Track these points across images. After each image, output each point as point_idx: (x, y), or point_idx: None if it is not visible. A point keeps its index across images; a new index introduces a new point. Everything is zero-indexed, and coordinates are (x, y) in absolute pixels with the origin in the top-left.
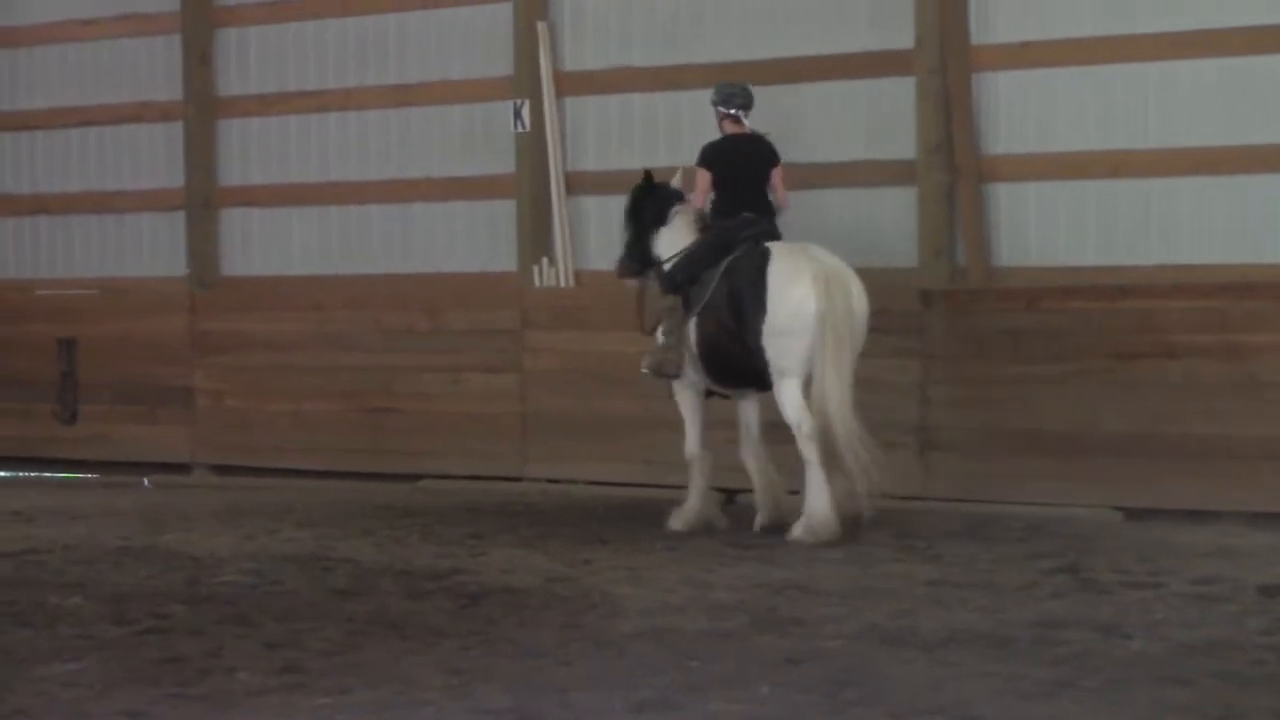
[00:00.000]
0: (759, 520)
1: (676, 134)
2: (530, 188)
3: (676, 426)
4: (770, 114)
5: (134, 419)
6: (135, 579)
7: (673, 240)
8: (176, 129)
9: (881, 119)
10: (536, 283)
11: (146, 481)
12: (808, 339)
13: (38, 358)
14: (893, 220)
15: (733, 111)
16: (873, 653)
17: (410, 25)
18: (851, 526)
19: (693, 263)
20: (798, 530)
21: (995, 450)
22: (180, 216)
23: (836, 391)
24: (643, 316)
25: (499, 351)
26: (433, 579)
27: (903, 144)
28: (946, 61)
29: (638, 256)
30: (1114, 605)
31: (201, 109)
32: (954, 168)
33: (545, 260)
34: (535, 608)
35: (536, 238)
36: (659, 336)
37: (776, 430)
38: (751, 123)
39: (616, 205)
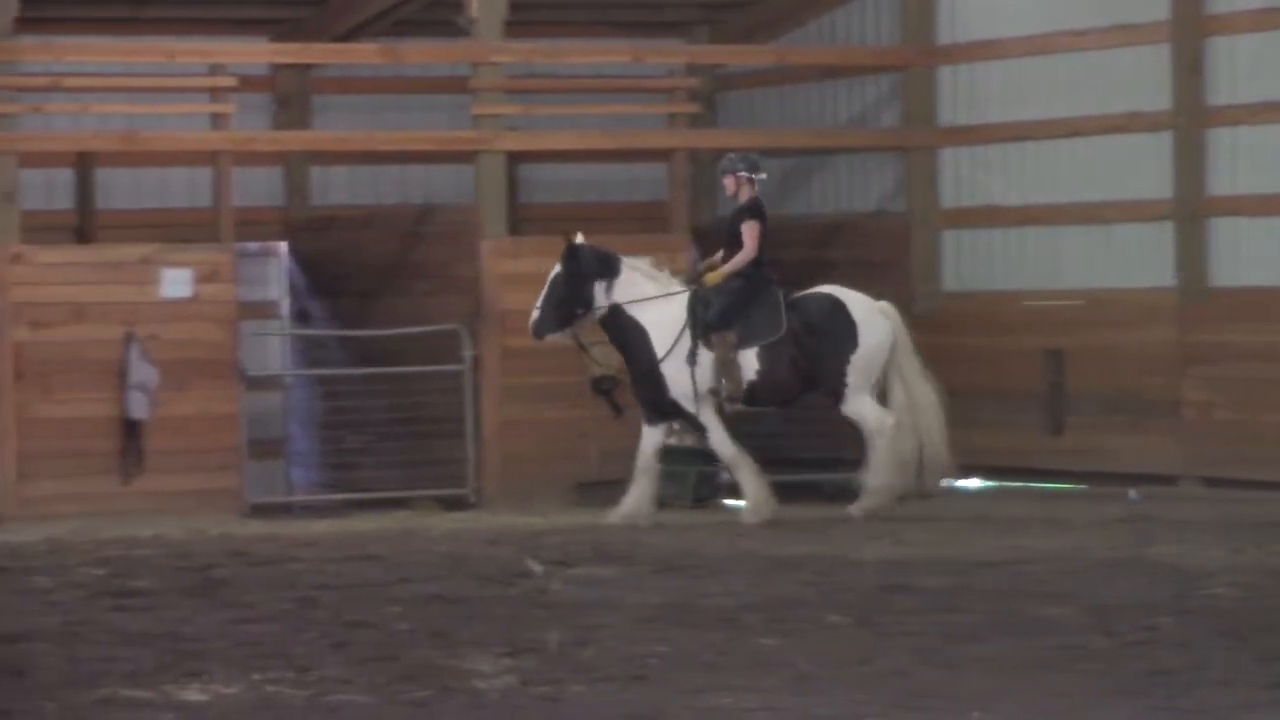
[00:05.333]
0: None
1: None
2: None
3: None
4: None
5: (1120, 430)
6: (1122, 591)
7: (638, 285)
8: (1164, 139)
9: None
10: None
11: (1133, 493)
12: (883, 361)
13: (1024, 369)
14: None
15: (759, 177)
16: None
17: None
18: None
19: (741, 303)
20: (869, 502)
21: None
22: (1167, 227)
23: (928, 396)
24: (592, 354)
25: None
26: None
27: None
28: None
29: (579, 302)
30: None
31: (1191, 119)
32: None
33: None
34: None
35: None
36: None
37: None
38: None
39: None
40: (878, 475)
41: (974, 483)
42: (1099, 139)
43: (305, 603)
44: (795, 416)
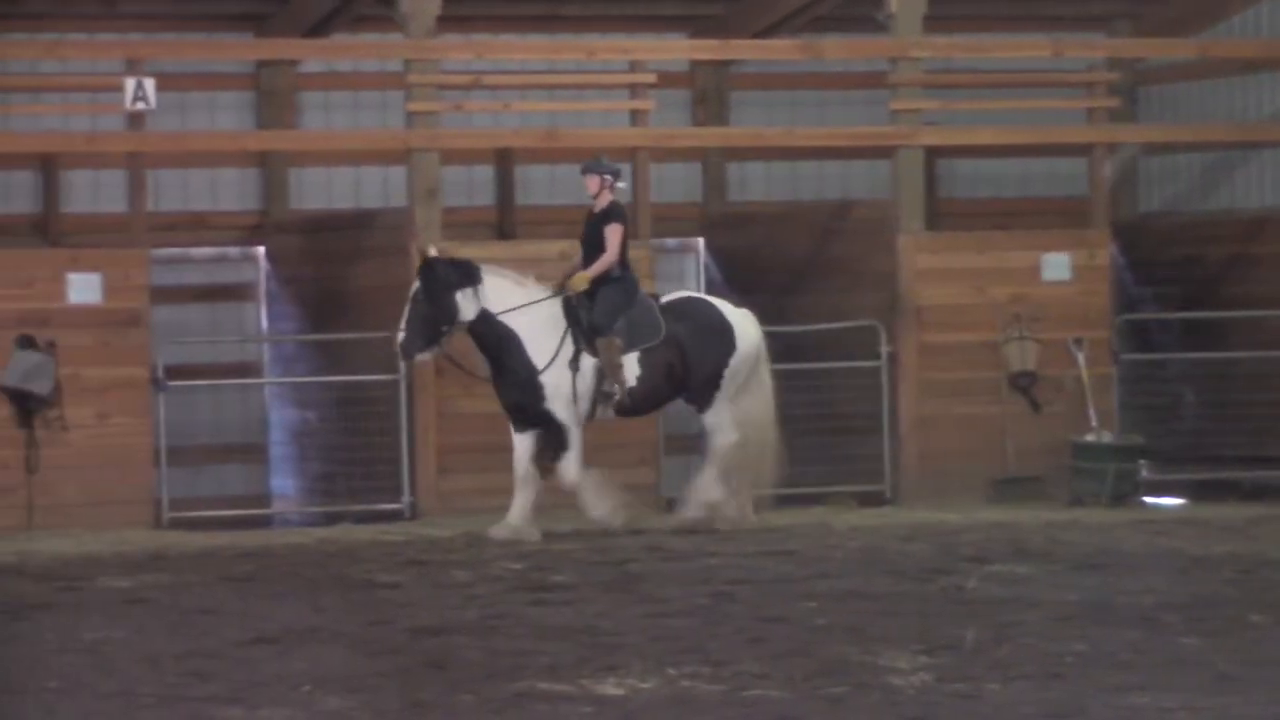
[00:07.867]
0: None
1: None
2: None
3: None
4: None
5: None
6: None
7: (505, 292)
8: None
9: None
10: None
11: None
12: (751, 367)
13: None
14: None
15: (620, 185)
16: None
17: None
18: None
19: (622, 307)
20: (691, 513)
21: None
22: None
23: (771, 404)
24: (465, 367)
25: None
26: None
27: None
28: None
29: (443, 316)
30: None
31: None
32: None
33: None
34: None
35: None
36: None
37: None
38: None
39: None
40: (708, 489)
41: None
42: None
43: (721, 597)
44: (1220, 414)
